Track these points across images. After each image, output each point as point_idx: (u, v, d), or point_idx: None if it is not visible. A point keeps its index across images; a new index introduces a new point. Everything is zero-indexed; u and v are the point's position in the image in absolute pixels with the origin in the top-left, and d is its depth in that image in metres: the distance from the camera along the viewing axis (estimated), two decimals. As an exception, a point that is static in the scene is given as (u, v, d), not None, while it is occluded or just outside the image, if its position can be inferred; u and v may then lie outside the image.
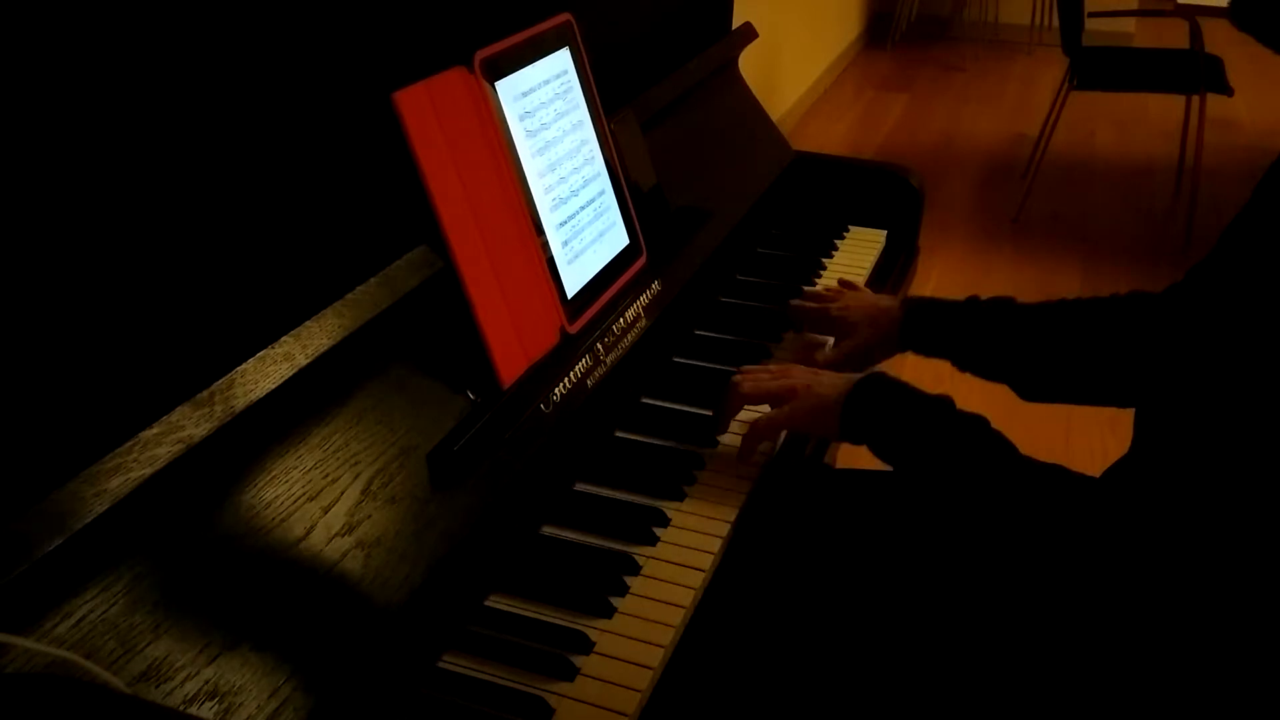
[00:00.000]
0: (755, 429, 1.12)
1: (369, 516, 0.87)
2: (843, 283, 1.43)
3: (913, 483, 1.04)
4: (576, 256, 1.15)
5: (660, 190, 1.38)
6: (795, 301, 1.41)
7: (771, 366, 1.18)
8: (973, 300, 1.26)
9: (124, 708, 0.62)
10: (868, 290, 1.42)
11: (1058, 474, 0.93)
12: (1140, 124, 4.60)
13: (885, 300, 1.34)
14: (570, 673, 0.89)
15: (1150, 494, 0.86)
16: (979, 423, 1.00)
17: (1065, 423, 2.54)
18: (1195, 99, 3.49)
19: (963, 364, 1.26)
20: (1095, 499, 0.90)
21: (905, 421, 1.03)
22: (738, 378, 1.16)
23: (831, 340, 1.36)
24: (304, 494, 0.82)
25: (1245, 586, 0.82)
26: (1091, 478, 0.94)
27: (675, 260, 1.34)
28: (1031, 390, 1.21)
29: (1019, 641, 0.98)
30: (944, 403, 1.03)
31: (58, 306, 0.76)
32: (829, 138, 4.48)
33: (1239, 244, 0.92)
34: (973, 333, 1.24)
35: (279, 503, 0.81)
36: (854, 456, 2.40)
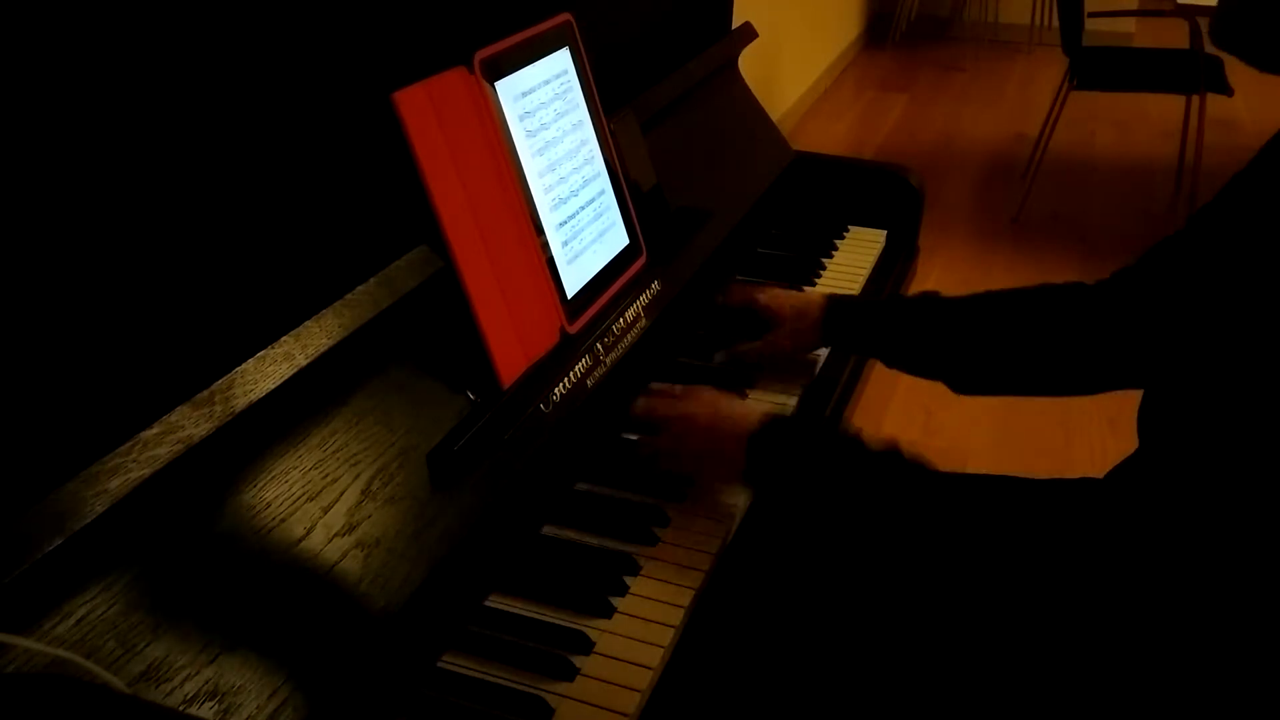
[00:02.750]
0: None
1: (369, 516, 0.87)
2: (748, 286, 1.42)
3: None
4: (576, 256, 1.15)
5: (660, 190, 1.38)
6: (722, 298, 1.40)
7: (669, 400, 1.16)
8: (894, 296, 1.26)
9: (124, 708, 0.62)
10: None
11: (1057, 490, 0.92)
12: (1140, 124, 4.60)
13: (810, 294, 1.34)
14: (570, 673, 0.89)
15: (1156, 496, 0.86)
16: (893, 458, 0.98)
17: (1064, 423, 2.54)
18: (1195, 99, 3.49)
19: (890, 360, 1.25)
20: (1101, 504, 0.89)
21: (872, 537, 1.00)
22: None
23: (820, 358, 1.36)
24: (304, 494, 0.82)
25: (1253, 588, 0.82)
26: (1094, 480, 0.94)
27: (675, 260, 1.34)
28: (964, 384, 1.20)
29: (1025, 651, 0.97)
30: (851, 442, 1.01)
31: (58, 307, 0.76)
32: (829, 138, 4.48)
33: (1214, 221, 0.93)
34: (897, 329, 1.23)
35: (279, 503, 0.81)
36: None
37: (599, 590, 0.97)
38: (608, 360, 1.17)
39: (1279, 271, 0.81)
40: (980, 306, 1.18)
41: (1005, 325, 1.16)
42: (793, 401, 1.27)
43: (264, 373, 0.80)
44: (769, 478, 1.04)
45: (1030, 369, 1.16)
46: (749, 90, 1.80)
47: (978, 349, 1.17)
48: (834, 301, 1.30)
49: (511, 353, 1.04)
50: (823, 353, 1.36)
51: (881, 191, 1.75)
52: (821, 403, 1.32)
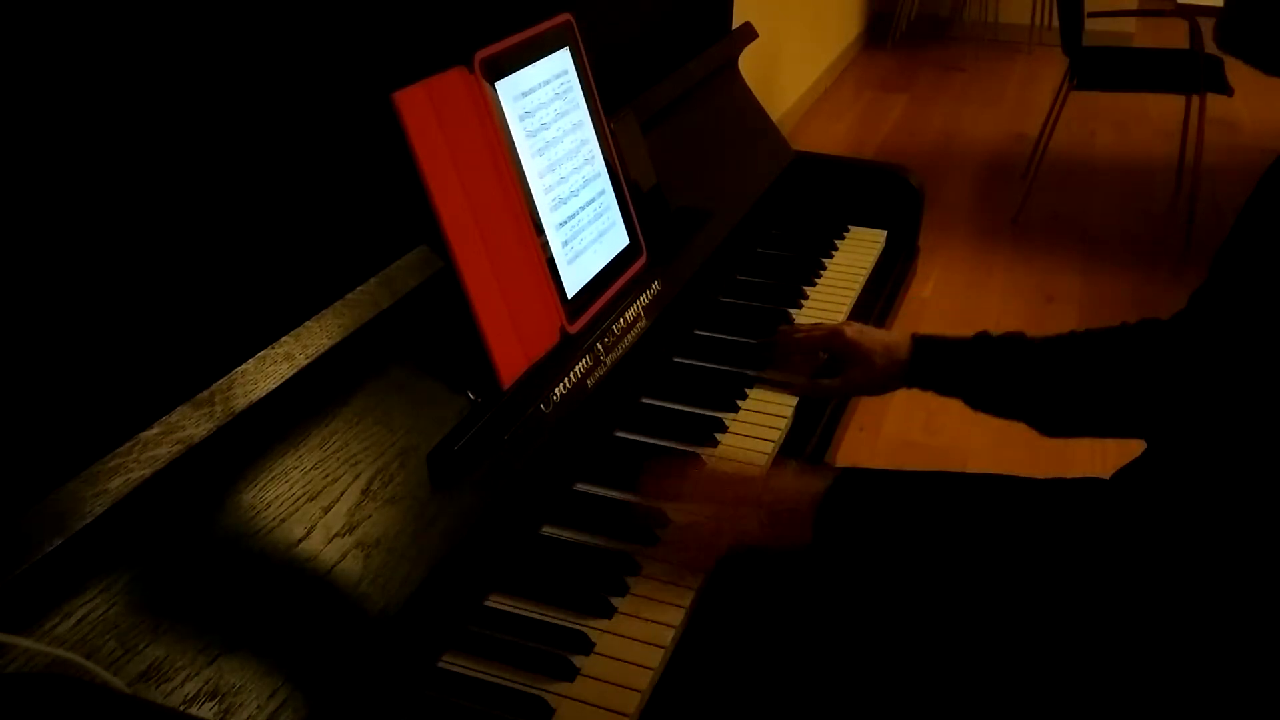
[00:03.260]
0: (703, 556, 1.01)
1: (369, 516, 0.87)
2: (827, 324, 1.36)
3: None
4: (576, 256, 1.15)
5: (660, 190, 1.38)
6: (796, 333, 1.34)
7: (711, 473, 1.09)
8: (982, 337, 1.22)
9: (124, 708, 0.62)
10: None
11: (1060, 490, 0.92)
12: (1140, 124, 4.60)
13: (898, 336, 1.30)
14: (570, 673, 0.89)
15: (1165, 498, 0.86)
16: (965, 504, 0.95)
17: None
18: (1195, 99, 3.49)
19: (975, 403, 1.22)
20: (1106, 508, 0.89)
21: (885, 527, 0.96)
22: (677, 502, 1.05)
23: (823, 356, 1.34)
24: (304, 494, 0.82)
25: (1258, 589, 0.82)
26: (1099, 480, 0.94)
27: (675, 260, 1.34)
28: (1051, 426, 1.18)
29: (1027, 651, 0.97)
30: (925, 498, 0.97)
31: (58, 307, 0.76)
32: (829, 138, 4.48)
33: (1233, 268, 0.92)
34: (984, 371, 1.20)
35: (279, 503, 0.81)
36: (852, 458, 2.39)
37: (599, 590, 0.97)
38: (608, 360, 1.17)
39: None
40: (1065, 348, 1.17)
41: (1092, 368, 1.14)
42: (793, 403, 1.27)
43: (264, 373, 0.80)
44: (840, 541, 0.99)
45: (1116, 411, 1.14)
46: (749, 90, 1.80)
47: (1064, 392, 1.16)
48: (921, 342, 1.26)
49: (511, 353, 1.04)
50: (823, 353, 1.35)
51: (881, 191, 1.76)
52: (820, 406, 1.32)
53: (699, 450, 1.17)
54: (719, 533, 1.02)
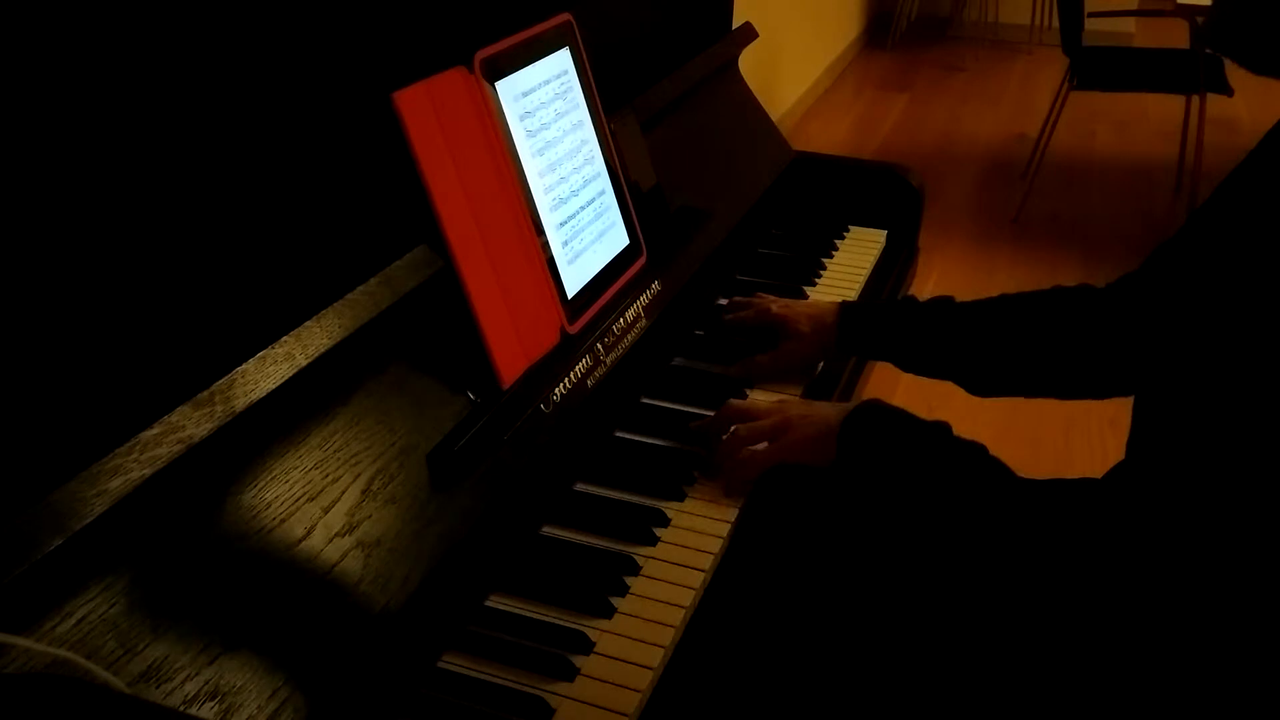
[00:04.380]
0: (749, 464, 1.10)
1: (369, 516, 0.87)
2: (759, 295, 1.41)
3: (910, 511, 1.03)
4: (577, 256, 1.15)
5: (660, 190, 1.38)
6: (729, 315, 1.39)
7: (761, 402, 1.17)
8: (908, 300, 1.27)
9: (124, 708, 0.62)
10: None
11: (1056, 490, 0.93)
12: (1140, 124, 4.60)
13: (826, 304, 1.34)
14: (570, 673, 0.89)
15: (1149, 496, 0.86)
16: (977, 450, 0.99)
17: (1065, 423, 2.54)
18: (1195, 99, 3.49)
19: (905, 364, 1.26)
20: (1096, 504, 0.90)
21: (903, 446, 1.02)
22: (733, 421, 1.14)
23: (819, 365, 1.36)
24: (304, 494, 0.82)
25: (1248, 588, 0.82)
26: (1092, 480, 0.94)
27: (675, 260, 1.34)
28: (978, 386, 1.22)
29: (1022, 640, 0.98)
30: (941, 429, 1.02)
31: (58, 307, 0.76)
32: (829, 138, 4.48)
33: (1212, 225, 0.93)
34: (911, 333, 1.24)
35: (279, 503, 0.81)
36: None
37: (599, 590, 0.97)
38: (608, 360, 1.17)
39: (1274, 273, 0.81)
40: (993, 309, 1.20)
41: (1017, 328, 1.18)
42: (798, 394, 1.27)
43: (264, 373, 0.80)
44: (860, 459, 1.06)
45: (1042, 371, 1.18)
46: (749, 90, 1.80)
47: (991, 351, 1.19)
48: (848, 309, 1.30)
49: (511, 353, 1.04)
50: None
51: (881, 191, 1.75)
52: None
53: (699, 450, 1.17)
54: (772, 438, 1.10)
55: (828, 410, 1.11)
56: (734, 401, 1.18)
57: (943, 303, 1.24)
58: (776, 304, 1.35)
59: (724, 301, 1.45)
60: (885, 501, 1.07)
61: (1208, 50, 3.39)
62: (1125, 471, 0.97)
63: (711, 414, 1.21)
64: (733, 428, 1.14)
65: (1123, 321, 1.10)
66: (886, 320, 1.27)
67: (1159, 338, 0.95)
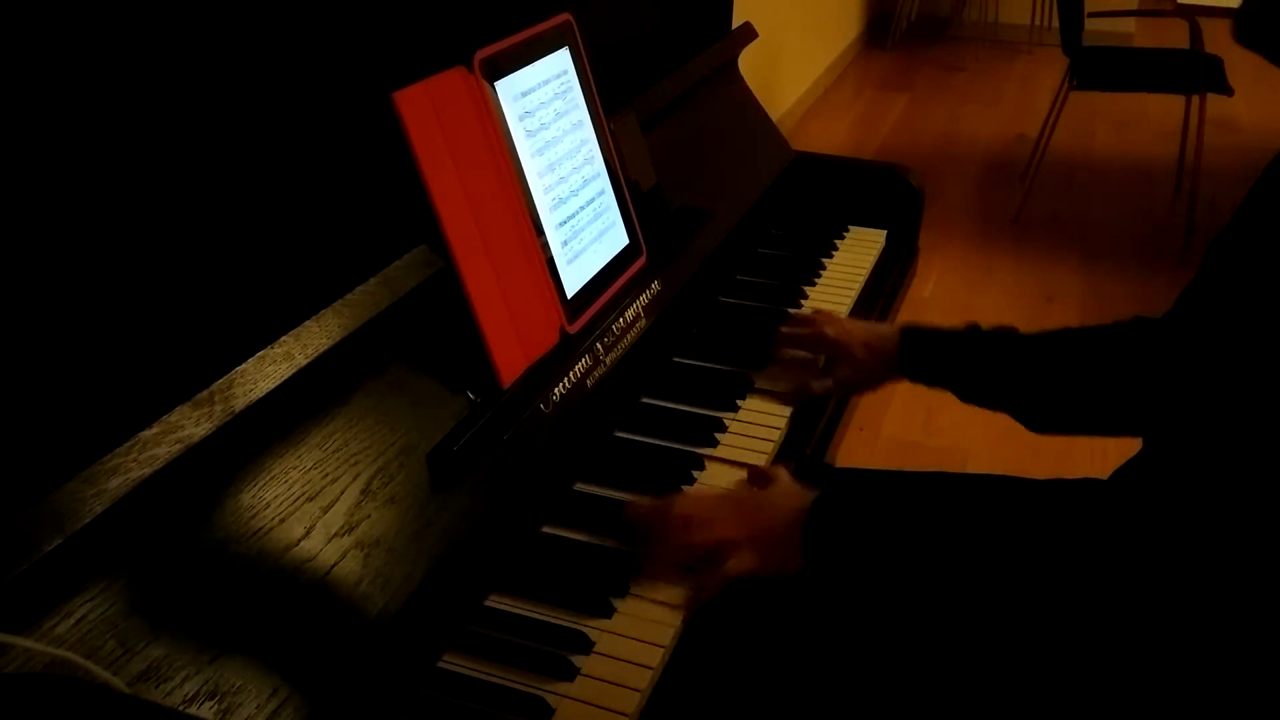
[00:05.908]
0: (694, 598, 0.97)
1: (369, 516, 0.87)
2: (820, 314, 1.37)
3: (903, 594, 0.98)
4: (576, 256, 1.15)
5: (660, 190, 1.38)
6: (786, 328, 1.35)
7: (706, 496, 1.08)
8: (973, 329, 1.22)
9: (124, 708, 0.62)
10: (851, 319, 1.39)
11: (1065, 492, 0.92)
12: (1140, 124, 4.60)
13: (881, 326, 1.30)
14: (570, 673, 0.89)
15: (1162, 500, 0.86)
16: (964, 487, 0.95)
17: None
18: (1195, 99, 3.49)
19: (964, 395, 1.22)
20: (1111, 507, 0.89)
21: (876, 545, 0.95)
22: (655, 543, 1.00)
23: (821, 359, 1.34)
24: (304, 494, 0.82)
25: (1256, 590, 0.82)
26: (1098, 481, 0.94)
27: (675, 260, 1.34)
28: (1037, 422, 1.18)
29: (1028, 653, 0.97)
30: (914, 500, 0.96)
31: (58, 307, 0.76)
32: (829, 138, 4.48)
33: (1226, 265, 0.92)
34: (974, 364, 1.20)
35: (278, 502, 0.81)
36: (852, 458, 2.39)
37: (599, 590, 0.97)
38: (608, 360, 1.17)
39: None
40: (1056, 344, 1.16)
41: (1082, 365, 1.14)
42: (789, 409, 1.27)
43: (264, 373, 0.80)
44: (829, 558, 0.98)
45: (1104, 409, 1.14)
46: (749, 90, 1.80)
47: (1053, 389, 1.15)
48: (910, 335, 1.26)
49: (511, 353, 1.04)
50: (824, 355, 1.35)
51: (881, 191, 1.76)
52: (820, 406, 1.32)
53: (698, 450, 1.17)
54: (707, 577, 0.98)
55: (781, 511, 1.00)
56: (677, 509, 1.03)
57: (1006, 334, 1.20)
58: (831, 327, 1.31)
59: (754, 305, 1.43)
60: (869, 597, 1.01)
61: (1208, 53, 3.39)
62: (1138, 471, 0.97)
63: (711, 414, 1.21)
64: (669, 539, 1.01)
65: (1174, 356, 1.07)
66: (952, 349, 1.23)
67: (1172, 377, 0.93)
